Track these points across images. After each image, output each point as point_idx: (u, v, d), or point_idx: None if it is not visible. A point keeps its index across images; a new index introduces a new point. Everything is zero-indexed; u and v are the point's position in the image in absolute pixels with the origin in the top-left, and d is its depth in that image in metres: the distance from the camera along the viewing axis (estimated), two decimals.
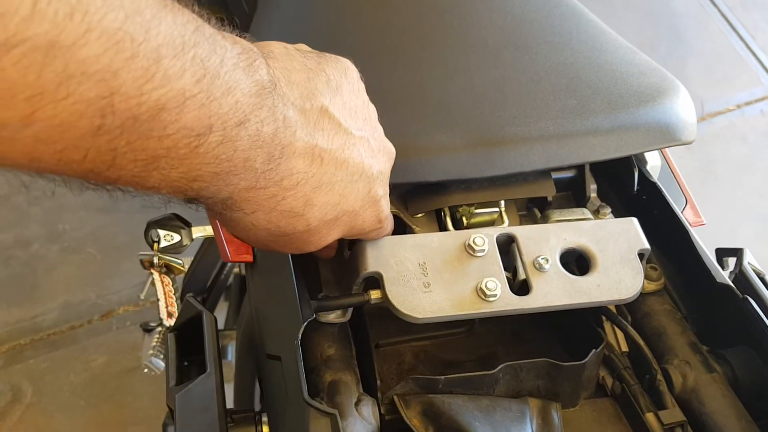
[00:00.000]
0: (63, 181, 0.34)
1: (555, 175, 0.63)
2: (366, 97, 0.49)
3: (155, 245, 0.67)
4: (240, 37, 0.38)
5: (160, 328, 0.89)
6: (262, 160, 0.39)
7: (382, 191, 0.49)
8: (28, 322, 1.71)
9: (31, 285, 1.77)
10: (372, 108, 0.50)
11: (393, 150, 0.51)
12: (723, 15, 2.39)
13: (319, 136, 0.42)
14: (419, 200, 0.60)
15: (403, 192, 0.61)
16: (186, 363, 0.53)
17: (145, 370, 0.82)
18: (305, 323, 0.48)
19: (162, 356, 0.84)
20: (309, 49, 0.48)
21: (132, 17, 0.29)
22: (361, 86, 0.49)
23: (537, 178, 0.61)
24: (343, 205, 0.45)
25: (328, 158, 0.43)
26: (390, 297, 0.50)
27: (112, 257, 1.81)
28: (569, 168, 0.64)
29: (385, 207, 0.50)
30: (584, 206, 0.63)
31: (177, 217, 0.68)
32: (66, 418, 1.56)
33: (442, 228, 0.60)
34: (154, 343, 0.85)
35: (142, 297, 1.49)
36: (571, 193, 0.66)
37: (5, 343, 1.68)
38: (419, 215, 0.61)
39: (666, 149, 0.68)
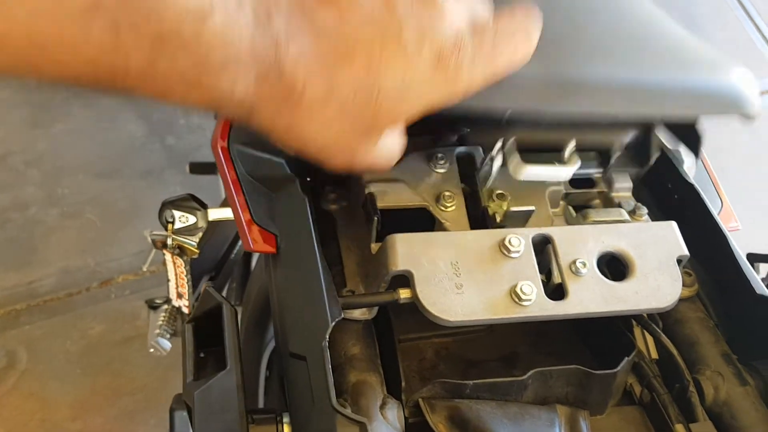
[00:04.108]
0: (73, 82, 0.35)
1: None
2: None
3: (170, 226, 0.65)
4: None
5: (166, 306, 0.87)
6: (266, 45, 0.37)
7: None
8: (25, 287, 1.69)
9: (29, 249, 1.74)
10: None
11: None
12: (740, 2, 2.35)
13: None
14: (481, 130, 0.59)
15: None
16: (202, 354, 0.51)
17: (151, 350, 0.80)
18: (333, 324, 0.46)
19: (168, 336, 0.82)
20: None
21: None
22: None
23: (604, 129, 0.59)
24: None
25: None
26: (421, 297, 0.48)
27: (112, 224, 1.78)
28: (634, 126, 0.62)
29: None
30: (645, 170, 0.62)
31: (193, 197, 0.65)
32: (61, 386, 1.55)
33: (473, 222, 0.58)
34: (160, 322, 0.82)
35: (145, 269, 1.47)
36: (633, 153, 0.64)
37: (0, 308, 1.66)
38: (450, 207, 0.57)
39: (703, 151, 0.65)
